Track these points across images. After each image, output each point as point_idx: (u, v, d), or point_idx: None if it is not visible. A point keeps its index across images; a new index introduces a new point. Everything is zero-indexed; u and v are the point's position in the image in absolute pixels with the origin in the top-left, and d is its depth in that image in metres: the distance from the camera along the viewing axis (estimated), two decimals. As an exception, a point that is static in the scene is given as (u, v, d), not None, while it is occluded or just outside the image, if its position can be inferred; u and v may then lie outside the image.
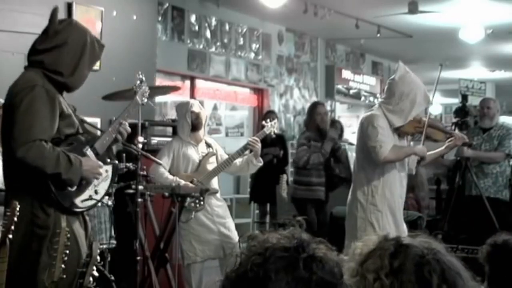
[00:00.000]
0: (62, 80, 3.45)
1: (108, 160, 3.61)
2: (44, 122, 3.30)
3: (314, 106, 7.73)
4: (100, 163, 3.52)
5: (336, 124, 9.64)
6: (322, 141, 7.33)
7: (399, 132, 4.74)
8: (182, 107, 5.63)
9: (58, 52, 3.43)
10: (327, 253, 1.41)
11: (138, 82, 4.18)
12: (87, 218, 3.57)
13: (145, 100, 4.14)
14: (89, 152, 3.50)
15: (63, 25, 3.48)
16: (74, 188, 3.39)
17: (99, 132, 3.76)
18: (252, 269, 1.37)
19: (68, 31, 3.47)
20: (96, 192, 3.49)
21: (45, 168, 3.24)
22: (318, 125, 7.40)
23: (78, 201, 3.40)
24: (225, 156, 5.60)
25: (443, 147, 5.03)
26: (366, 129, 4.64)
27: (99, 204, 3.92)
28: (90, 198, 3.45)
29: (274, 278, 1.36)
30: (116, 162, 3.69)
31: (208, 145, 5.65)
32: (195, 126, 5.54)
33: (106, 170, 3.57)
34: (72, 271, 3.22)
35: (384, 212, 4.66)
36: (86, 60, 3.52)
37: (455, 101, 7.36)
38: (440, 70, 5.26)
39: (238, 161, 5.55)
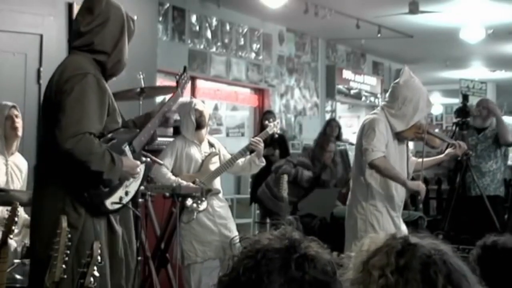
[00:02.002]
0: (107, 60, 3.30)
1: (143, 159, 3.46)
2: (94, 114, 3.13)
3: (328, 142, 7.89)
4: (138, 163, 3.36)
5: (332, 123, 9.64)
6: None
7: (398, 136, 4.74)
8: (186, 106, 5.61)
9: (103, 30, 3.29)
10: (319, 252, 1.41)
11: (181, 73, 3.92)
12: (113, 220, 3.35)
13: (184, 91, 3.91)
14: (127, 149, 3.34)
15: (103, 2, 3.32)
16: (107, 188, 3.24)
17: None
18: (244, 273, 1.37)
19: (108, 7, 3.33)
20: (126, 193, 3.33)
21: (90, 164, 3.07)
22: (324, 161, 7.69)
23: (108, 202, 3.24)
24: (228, 156, 5.58)
25: (442, 155, 5.09)
26: (366, 131, 4.65)
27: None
28: (120, 200, 3.29)
29: (266, 281, 1.36)
30: (149, 160, 3.52)
31: (211, 145, 5.64)
32: (199, 124, 5.52)
33: (139, 169, 3.40)
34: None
35: (384, 212, 4.67)
36: (125, 36, 3.38)
37: (456, 101, 7.35)
38: None
39: (240, 161, 5.54)
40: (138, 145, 3.41)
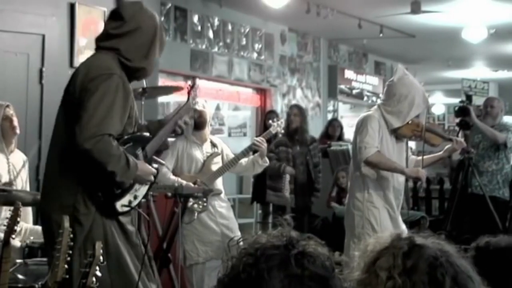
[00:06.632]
0: (133, 65, 3.29)
1: (154, 165, 3.45)
2: (115, 116, 3.12)
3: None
4: (153, 169, 3.36)
5: (334, 123, 9.65)
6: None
7: (396, 134, 4.77)
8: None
9: (133, 37, 3.28)
10: (317, 248, 1.42)
11: (190, 83, 3.96)
12: (124, 221, 3.35)
13: (195, 102, 3.97)
14: (140, 154, 3.34)
15: (136, 9, 3.32)
16: (119, 190, 3.24)
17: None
18: (244, 270, 1.37)
19: (141, 16, 3.32)
20: (135, 197, 3.32)
21: (107, 166, 3.07)
22: None
23: (118, 204, 3.25)
24: (231, 156, 5.58)
25: (441, 152, 5.12)
26: (358, 129, 4.70)
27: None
28: (129, 204, 3.29)
29: (267, 277, 1.36)
30: (157, 166, 3.51)
31: (214, 145, 5.64)
32: (198, 125, 5.52)
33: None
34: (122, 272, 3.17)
35: (381, 208, 4.70)
36: (157, 46, 3.37)
37: (458, 100, 7.36)
38: None
39: (243, 161, 5.54)
40: (150, 151, 3.42)
